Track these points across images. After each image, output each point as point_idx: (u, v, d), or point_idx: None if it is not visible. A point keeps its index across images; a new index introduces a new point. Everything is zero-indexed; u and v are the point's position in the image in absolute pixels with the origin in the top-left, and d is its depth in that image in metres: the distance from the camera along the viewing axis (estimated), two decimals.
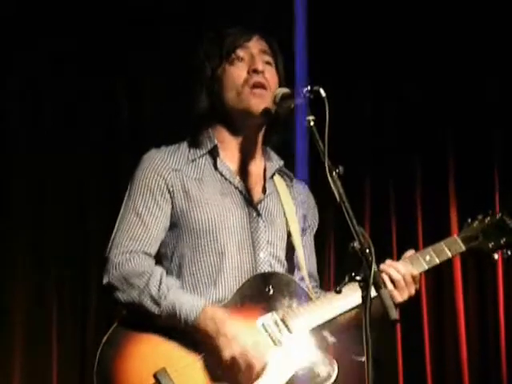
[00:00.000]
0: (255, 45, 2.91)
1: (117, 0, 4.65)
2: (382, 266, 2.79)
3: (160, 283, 2.71)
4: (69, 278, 4.60)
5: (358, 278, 2.40)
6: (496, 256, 3.01)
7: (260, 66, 2.87)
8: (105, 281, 2.75)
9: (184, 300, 2.69)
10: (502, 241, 3.00)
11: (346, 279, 2.66)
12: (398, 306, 2.75)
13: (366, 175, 4.90)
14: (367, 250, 2.36)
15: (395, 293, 2.76)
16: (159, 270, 2.77)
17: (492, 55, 4.74)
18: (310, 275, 3.02)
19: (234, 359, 2.63)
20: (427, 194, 4.84)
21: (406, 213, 4.84)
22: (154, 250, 2.82)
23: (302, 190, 3.07)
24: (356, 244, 2.37)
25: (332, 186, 2.44)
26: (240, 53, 2.89)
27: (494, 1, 4.69)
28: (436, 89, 4.83)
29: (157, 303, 2.68)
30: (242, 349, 2.63)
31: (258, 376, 2.64)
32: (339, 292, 2.71)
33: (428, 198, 4.83)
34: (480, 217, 3.04)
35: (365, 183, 4.88)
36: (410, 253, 2.88)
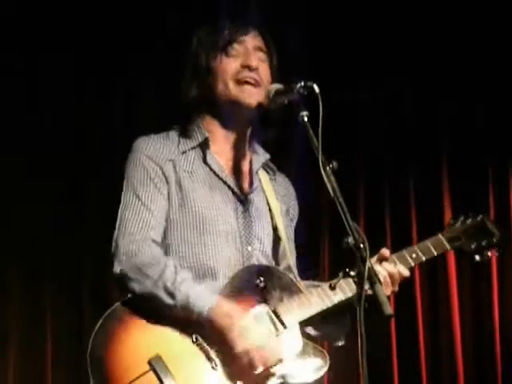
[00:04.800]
0: (251, 40, 2.91)
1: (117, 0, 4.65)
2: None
3: (175, 274, 2.69)
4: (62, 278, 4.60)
5: (352, 273, 2.40)
6: (478, 257, 3.04)
7: (254, 63, 2.87)
8: (117, 270, 2.73)
9: (198, 293, 2.67)
10: (484, 243, 3.03)
11: (340, 275, 2.68)
12: None
13: (360, 170, 4.89)
14: (361, 246, 2.35)
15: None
16: (172, 261, 2.75)
17: (486, 60, 4.76)
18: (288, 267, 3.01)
19: (247, 353, 2.62)
20: (421, 189, 4.83)
21: (400, 208, 4.83)
22: (160, 237, 2.81)
23: (282, 181, 3.08)
24: (350, 239, 2.37)
25: (326, 181, 2.44)
26: (236, 46, 2.89)
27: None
28: (430, 85, 4.83)
29: (171, 295, 2.66)
30: (256, 344, 2.62)
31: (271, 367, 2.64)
32: (333, 288, 2.73)
33: (422, 194, 4.83)
34: (462, 218, 3.06)
35: (359, 178, 4.87)
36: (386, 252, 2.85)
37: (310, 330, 2.89)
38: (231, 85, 2.85)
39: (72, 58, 4.61)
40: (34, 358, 4.52)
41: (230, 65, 2.87)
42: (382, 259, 2.81)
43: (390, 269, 2.79)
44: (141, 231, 2.76)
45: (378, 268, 2.75)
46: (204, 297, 2.67)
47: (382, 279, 2.72)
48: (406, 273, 2.84)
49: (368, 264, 2.33)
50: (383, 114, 4.84)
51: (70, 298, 4.61)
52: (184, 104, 2.92)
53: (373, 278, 2.34)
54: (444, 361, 4.76)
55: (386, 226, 4.80)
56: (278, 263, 2.94)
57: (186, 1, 4.60)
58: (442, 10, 4.68)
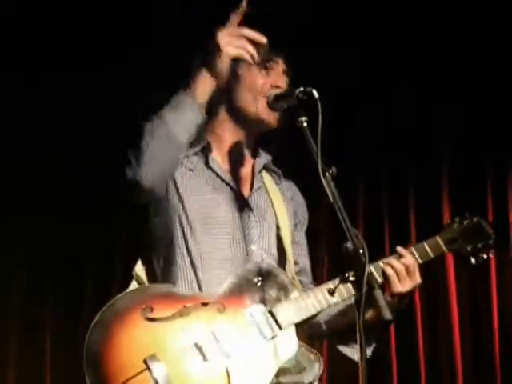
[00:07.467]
0: (282, 63, 2.97)
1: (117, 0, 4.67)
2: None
3: None
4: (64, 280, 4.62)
5: (351, 278, 2.41)
6: (473, 260, 3.03)
7: (285, 87, 2.91)
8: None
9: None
10: (480, 245, 3.03)
11: (339, 280, 2.69)
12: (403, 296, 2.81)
13: (360, 176, 4.89)
14: (360, 251, 2.37)
15: (396, 281, 2.80)
16: None
17: (485, 61, 4.74)
18: (303, 271, 3.04)
19: None
20: (421, 194, 4.83)
21: (399, 213, 4.83)
22: None
23: (290, 187, 3.11)
24: (349, 245, 2.38)
25: (325, 186, 2.45)
26: (271, 63, 2.94)
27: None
28: (427, 88, 4.83)
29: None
30: None
31: None
32: (332, 293, 2.73)
33: (421, 199, 4.83)
34: (457, 219, 3.06)
35: (358, 184, 4.87)
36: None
37: (343, 348, 2.92)
38: (261, 103, 2.87)
39: (72, 58, 4.62)
40: (33, 358, 4.54)
41: (261, 80, 2.91)
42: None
43: (403, 261, 2.82)
44: None
45: (395, 263, 2.79)
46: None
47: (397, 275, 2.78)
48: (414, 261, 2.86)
49: (367, 269, 2.34)
50: (383, 117, 4.84)
51: (70, 298, 4.62)
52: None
53: (372, 283, 2.35)
54: (443, 360, 4.77)
55: (385, 231, 4.80)
56: (283, 262, 2.94)
57: (186, 1, 4.61)
58: (442, 12, 4.68)
